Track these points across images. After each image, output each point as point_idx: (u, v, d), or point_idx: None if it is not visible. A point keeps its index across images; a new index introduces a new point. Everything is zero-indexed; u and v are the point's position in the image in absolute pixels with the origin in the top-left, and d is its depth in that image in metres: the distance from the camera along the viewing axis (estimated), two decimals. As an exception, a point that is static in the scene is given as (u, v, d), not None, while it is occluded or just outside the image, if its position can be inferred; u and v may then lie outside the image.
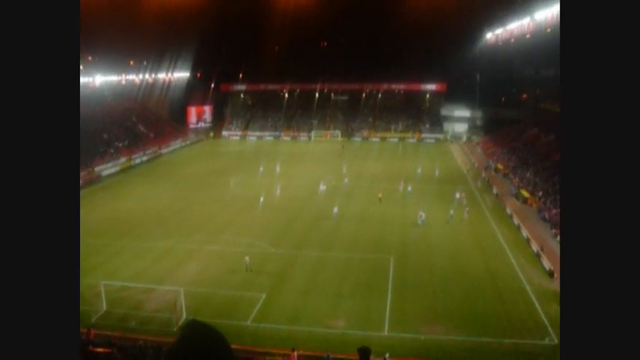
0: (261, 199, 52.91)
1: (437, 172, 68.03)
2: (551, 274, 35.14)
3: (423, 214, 46.45)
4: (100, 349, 21.64)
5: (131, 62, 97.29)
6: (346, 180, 61.50)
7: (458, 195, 53.67)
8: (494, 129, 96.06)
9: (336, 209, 49.09)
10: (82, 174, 65.85)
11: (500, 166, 70.24)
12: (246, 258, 36.39)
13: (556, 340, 26.76)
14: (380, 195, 54.17)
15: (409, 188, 57.41)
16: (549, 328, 28.05)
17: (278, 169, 70.90)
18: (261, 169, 69.98)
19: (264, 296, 32.44)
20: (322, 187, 58.51)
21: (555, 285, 33.52)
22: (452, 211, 47.87)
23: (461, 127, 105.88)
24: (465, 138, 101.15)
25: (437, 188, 59.70)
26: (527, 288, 33.39)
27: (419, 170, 68.86)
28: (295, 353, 25.01)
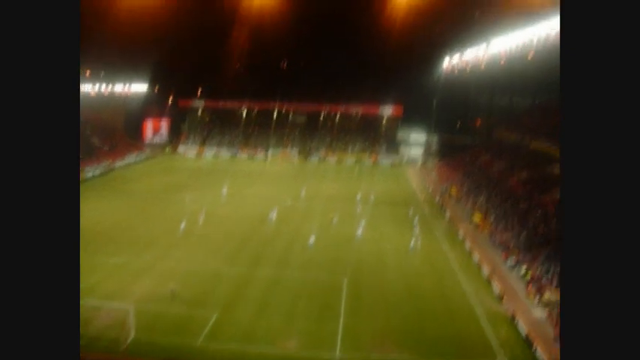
0: (201, 217, 52.78)
1: (392, 196, 68.83)
2: (500, 297, 35.84)
3: (413, 242, 46.72)
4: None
5: (87, 73, 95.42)
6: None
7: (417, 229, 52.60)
8: (449, 154, 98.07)
9: (312, 238, 47.10)
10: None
11: (453, 191, 71.54)
12: (172, 288, 34.52)
13: (504, 363, 27.26)
14: (334, 217, 54.47)
15: (362, 222, 57.44)
16: (498, 350, 28.56)
17: (234, 187, 70.55)
18: (224, 189, 68.92)
19: (215, 315, 31.99)
20: (272, 215, 55.57)
21: (504, 308, 34.22)
22: (413, 242, 47.58)
23: (417, 151, 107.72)
24: (420, 162, 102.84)
25: (391, 211, 60.24)
26: (478, 311, 33.94)
27: (372, 195, 69.32)
28: (246, 374, 24.72)
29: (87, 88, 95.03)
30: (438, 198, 69.11)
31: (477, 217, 56.46)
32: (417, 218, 56.42)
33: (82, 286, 35.29)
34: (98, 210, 57.95)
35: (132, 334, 28.78)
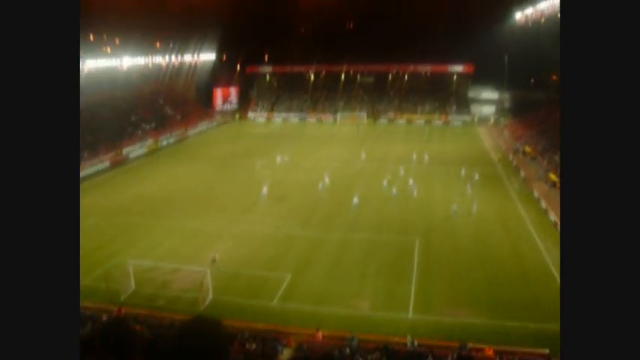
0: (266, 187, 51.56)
1: (464, 156, 67.52)
2: (578, 258, 34.71)
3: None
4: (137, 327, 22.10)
5: (157, 45, 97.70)
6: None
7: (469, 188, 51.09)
8: (522, 111, 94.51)
9: (356, 199, 46.97)
10: (109, 155, 66.91)
11: (528, 149, 69.25)
12: (213, 254, 34.32)
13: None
14: (405, 179, 53.84)
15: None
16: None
17: (303, 151, 71.26)
18: (294, 153, 69.35)
19: (289, 277, 32.71)
20: (324, 182, 53.90)
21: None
22: (454, 206, 45.00)
23: (488, 110, 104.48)
24: (492, 120, 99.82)
25: (463, 171, 58.80)
26: (554, 272, 33.05)
27: (443, 155, 68.19)
28: (320, 333, 25.24)
29: (158, 59, 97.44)
30: (511, 157, 67.16)
31: (553, 176, 54.53)
32: (490, 178, 55.13)
33: (159, 250, 37.06)
34: (173, 177, 60.00)
35: (210, 296, 29.92)
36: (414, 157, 65.59)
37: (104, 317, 24.53)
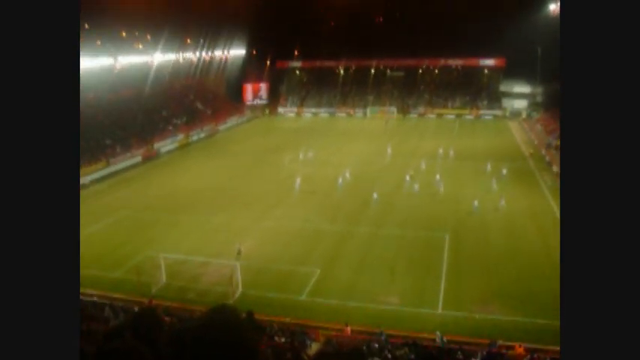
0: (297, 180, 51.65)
1: (495, 150, 66.69)
2: (613, 255, 34.01)
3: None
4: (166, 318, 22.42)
5: (188, 41, 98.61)
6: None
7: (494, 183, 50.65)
8: (555, 105, 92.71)
9: (375, 195, 46.81)
10: (140, 150, 67.90)
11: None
12: (238, 246, 35.19)
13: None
14: (433, 174, 53.19)
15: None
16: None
17: (332, 147, 71.23)
18: (308, 152, 69.24)
19: (318, 272, 32.77)
20: (344, 177, 53.68)
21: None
22: (476, 203, 44.07)
23: (520, 104, 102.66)
24: (524, 115, 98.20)
25: (494, 166, 57.98)
26: (588, 269, 32.42)
27: (473, 150, 67.42)
28: (349, 328, 25.28)
29: (188, 55, 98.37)
30: (544, 152, 66.09)
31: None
32: (521, 173, 54.33)
33: (189, 243, 37.46)
34: (203, 171, 60.62)
35: (239, 289, 30.17)
36: (442, 152, 65.09)
37: (136, 309, 24.96)
